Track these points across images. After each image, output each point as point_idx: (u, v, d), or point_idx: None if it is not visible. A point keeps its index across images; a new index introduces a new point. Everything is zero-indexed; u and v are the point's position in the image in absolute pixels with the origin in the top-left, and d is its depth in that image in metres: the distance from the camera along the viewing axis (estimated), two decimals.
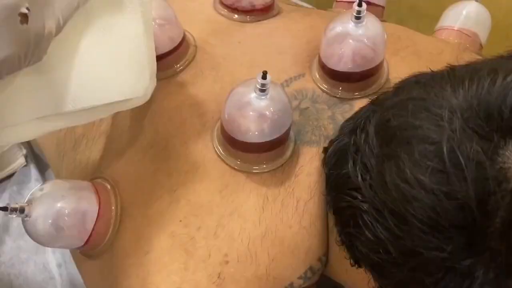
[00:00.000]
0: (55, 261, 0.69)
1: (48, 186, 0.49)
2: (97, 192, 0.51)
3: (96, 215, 0.49)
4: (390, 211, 0.38)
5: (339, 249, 0.47)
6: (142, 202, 0.50)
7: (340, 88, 0.53)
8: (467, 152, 0.36)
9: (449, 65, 0.45)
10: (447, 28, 0.64)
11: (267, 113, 0.46)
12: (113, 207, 0.50)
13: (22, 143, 0.77)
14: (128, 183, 0.52)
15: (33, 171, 0.79)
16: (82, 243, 0.50)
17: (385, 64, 0.54)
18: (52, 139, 0.64)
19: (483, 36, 0.64)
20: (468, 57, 0.60)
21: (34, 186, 0.80)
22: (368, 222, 0.40)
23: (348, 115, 0.51)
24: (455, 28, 0.64)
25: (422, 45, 0.60)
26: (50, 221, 0.47)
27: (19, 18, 0.31)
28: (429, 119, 0.38)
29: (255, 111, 0.46)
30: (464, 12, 0.64)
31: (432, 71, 0.46)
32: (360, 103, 0.52)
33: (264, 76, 0.44)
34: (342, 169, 0.44)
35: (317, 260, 0.49)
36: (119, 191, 0.52)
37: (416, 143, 0.38)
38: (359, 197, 0.41)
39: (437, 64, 0.57)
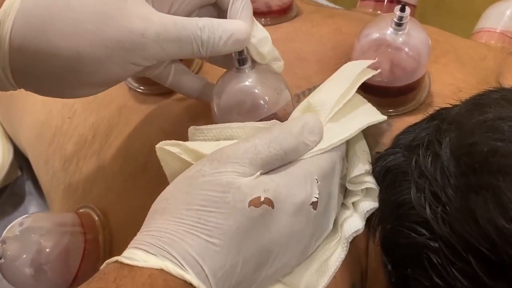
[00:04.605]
0: None
1: (28, 221, 0.43)
2: (82, 227, 0.44)
3: (81, 254, 0.43)
4: (476, 254, 0.31)
5: None
6: (133, 237, 0.43)
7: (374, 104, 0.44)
8: None
9: None
10: (488, 30, 0.59)
11: None
12: (100, 243, 0.45)
13: (16, 155, 0.75)
14: (118, 214, 0.46)
15: (28, 183, 0.78)
16: (67, 286, 0.44)
17: (426, 75, 0.45)
18: (41, 155, 0.58)
19: None
20: None
21: (28, 199, 0.78)
22: (438, 264, 0.33)
23: (386, 135, 0.43)
24: (497, 31, 0.59)
25: (463, 50, 0.52)
26: (29, 262, 0.41)
27: (311, 206, 0.35)
28: None
29: None
30: (507, 13, 0.58)
31: None
32: (399, 122, 0.44)
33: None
34: (399, 195, 0.37)
35: None
36: (108, 223, 0.46)
37: None
38: (426, 232, 0.34)
39: (482, 71, 0.49)
